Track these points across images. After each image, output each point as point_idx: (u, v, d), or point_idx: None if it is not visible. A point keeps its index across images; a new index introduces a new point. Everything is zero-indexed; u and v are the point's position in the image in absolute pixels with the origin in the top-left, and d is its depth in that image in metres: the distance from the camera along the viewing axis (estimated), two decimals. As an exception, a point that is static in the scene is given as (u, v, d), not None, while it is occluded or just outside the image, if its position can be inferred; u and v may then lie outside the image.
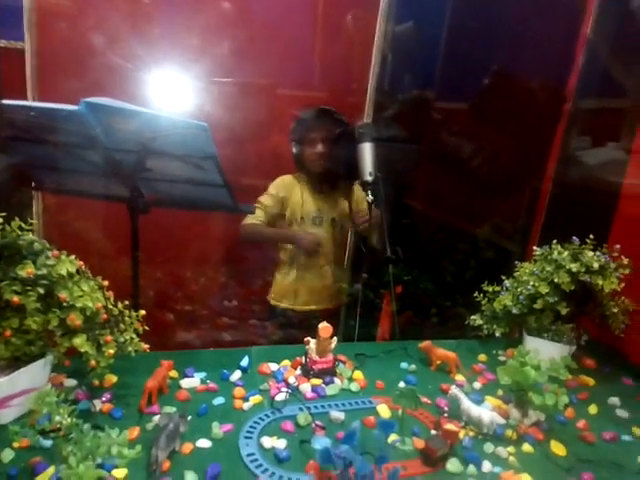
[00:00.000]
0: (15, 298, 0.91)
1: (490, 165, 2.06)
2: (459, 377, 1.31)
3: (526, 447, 1.05)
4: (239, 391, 1.15)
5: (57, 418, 0.83)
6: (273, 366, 1.28)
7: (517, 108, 2.05)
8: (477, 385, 1.29)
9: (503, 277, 1.52)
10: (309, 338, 1.27)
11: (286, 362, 1.30)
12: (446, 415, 1.13)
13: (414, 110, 2.28)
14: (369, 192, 1.67)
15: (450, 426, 1.01)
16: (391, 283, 1.61)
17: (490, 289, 1.51)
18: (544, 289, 1.38)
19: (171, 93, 1.80)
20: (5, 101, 1.36)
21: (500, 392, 1.25)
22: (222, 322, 2.16)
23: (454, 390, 1.14)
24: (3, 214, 0.98)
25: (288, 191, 1.89)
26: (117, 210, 1.47)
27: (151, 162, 1.48)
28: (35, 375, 0.99)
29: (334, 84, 2.25)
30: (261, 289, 2.05)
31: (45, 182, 1.71)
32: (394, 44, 2.28)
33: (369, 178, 1.66)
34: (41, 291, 0.94)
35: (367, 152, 1.68)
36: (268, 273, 1.98)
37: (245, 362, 1.26)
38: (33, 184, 1.70)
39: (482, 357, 1.45)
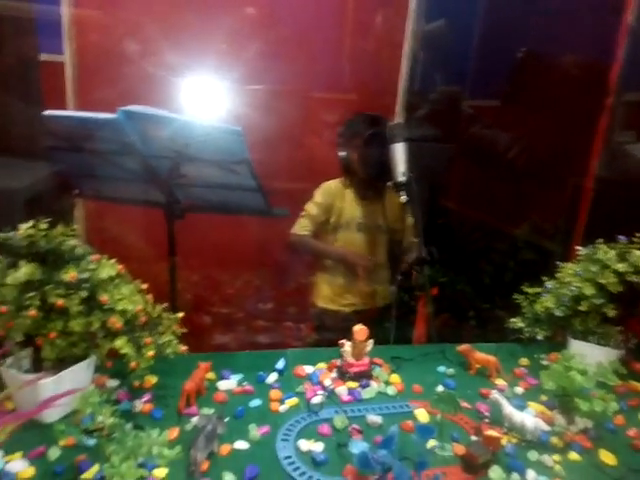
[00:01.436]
0: (59, 301, 0.93)
1: (528, 162, 2.00)
2: (500, 381, 1.28)
3: (573, 455, 1.01)
4: (275, 393, 1.15)
5: (100, 418, 0.86)
6: (309, 369, 1.27)
7: (556, 102, 1.98)
8: (519, 390, 1.25)
9: (544, 278, 1.47)
10: (344, 341, 1.26)
11: (322, 365, 1.29)
12: (487, 421, 1.10)
13: (447, 108, 2.25)
14: (403, 193, 1.65)
15: (492, 432, 0.98)
16: (426, 285, 1.58)
17: (531, 290, 1.47)
18: (589, 290, 1.32)
19: (205, 99, 1.83)
20: (47, 112, 1.41)
21: (543, 397, 1.20)
22: (258, 324, 2.17)
23: (495, 395, 1.11)
24: (48, 220, 1.01)
25: (334, 197, 1.87)
26: (154, 215, 1.50)
27: (186, 168, 1.51)
28: (79, 376, 1.02)
29: (364, 85, 2.24)
30: (296, 292, 2.05)
31: (85, 189, 1.77)
32: (425, 43, 2.25)
33: (402, 178, 1.64)
34: (83, 294, 0.96)
35: (400, 152, 1.66)
36: (302, 276, 1.99)
37: (281, 364, 1.26)
38: (75, 191, 1.76)
39: (523, 361, 1.40)
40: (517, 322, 1.47)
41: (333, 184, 1.90)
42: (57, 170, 1.50)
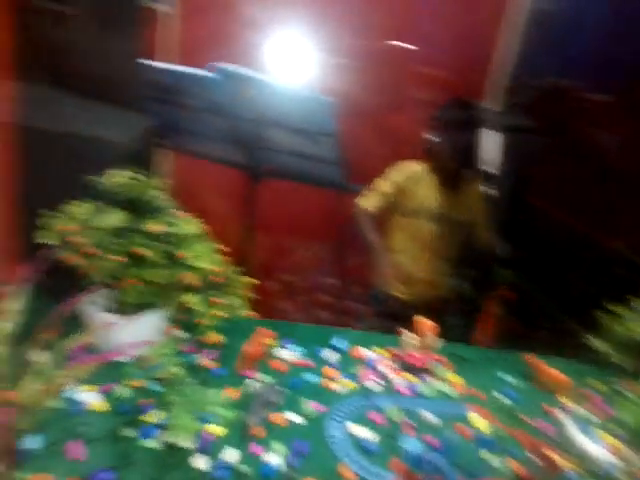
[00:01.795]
0: (146, 251, 0.97)
1: (636, 168, 1.81)
2: (567, 401, 1.20)
3: (640, 496, 0.94)
4: (332, 372, 1.15)
5: (168, 367, 0.89)
6: (367, 352, 1.26)
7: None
8: (587, 414, 1.17)
9: (632, 298, 1.35)
10: (405, 330, 1.23)
11: (381, 351, 1.28)
12: (548, 440, 1.04)
13: (554, 100, 2.07)
14: (491, 185, 1.56)
15: (552, 454, 0.93)
16: (498, 284, 1.51)
17: (615, 309, 1.35)
18: (686, 322, 1.20)
19: (301, 67, 1.80)
20: (146, 62, 1.44)
21: (615, 427, 1.12)
22: (320, 298, 2.18)
23: (560, 415, 1.04)
24: (139, 170, 1.05)
25: (413, 181, 1.74)
26: (237, 176, 1.52)
27: (273, 133, 1.51)
28: (154, 323, 1.07)
29: (461, 63, 2.10)
30: (361, 270, 2.02)
31: (173, 142, 1.83)
32: (534, 23, 2.06)
33: (493, 171, 1.55)
34: (167, 247, 1.00)
35: (493, 142, 1.57)
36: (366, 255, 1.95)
37: (341, 344, 1.25)
38: (164, 142, 1.82)
39: (596, 384, 1.31)
40: (595, 341, 1.36)
41: (413, 166, 1.76)
42: (151, 123, 1.54)
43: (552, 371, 1.23)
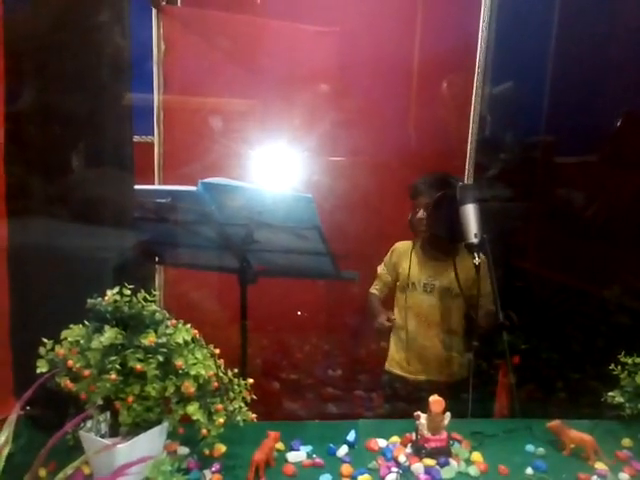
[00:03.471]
0: (138, 365, 0.97)
1: (613, 217, 1.87)
2: (599, 465, 1.12)
3: None
4: (347, 468, 1.09)
5: (170, 487, 0.85)
6: (382, 442, 1.20)
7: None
8: (624, 477, 1.09)
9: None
10: (419, 413, 1.18)
11: (395, 438, 1.22)
12: (589, 512, 0.96)
13: (519, 167, 2.19)
14: (475, 254, 1.59)
15: (595, 526, 0.85)
16: (506, 352, 1.47)
17: (630, 360, 1.31)
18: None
19: (278, 169, 1.93)
20: (137, 186, 1.54)
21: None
22: (327, 392, 2.11)
23: (596, 481, 0.97)
24: (131, 287, 1.07)
25: (400, 257, 1.88)
26: (228, 281, 1.55)
27: (259, 234, 1.56)
28: (153, 441, 1.02)
29: (434, 150, 2.25)
30: (367, 358, 1.99)
31: (166, 257, 1.88)
32: (493, 105, 2.26)
33: (474, 240, 1.59)
34: (160, 359, 0.99)
35: (471, 213, 1.63)
36: (373, 341, 1.94)
37: (352, 437, 1.20)
38: (156, 259, 1.87)
39: (626, 442, 1.23)
40: (615, 396, 1.31)
41: (401, 244, 1.91)
42: (141, 240, 1.61)
43: (575, 433, 1.17)
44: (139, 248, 1.71)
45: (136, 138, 2.10)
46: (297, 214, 1.48)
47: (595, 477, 0.99)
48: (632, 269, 1.77)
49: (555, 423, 1.20)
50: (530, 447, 1.20)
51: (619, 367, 1.32)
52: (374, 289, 1.93)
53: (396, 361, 1.86)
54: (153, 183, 2.10)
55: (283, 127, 2.08)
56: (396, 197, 2.03)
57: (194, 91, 2.16)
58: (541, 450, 1.18)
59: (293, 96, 2.14)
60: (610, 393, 1.32)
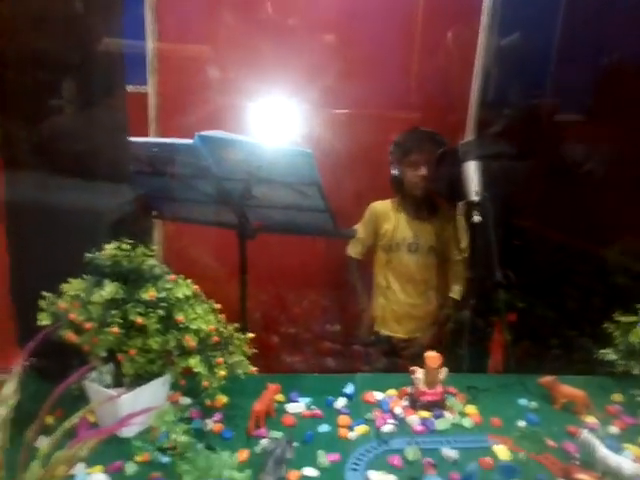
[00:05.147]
0: (139, 319, 0.97)
1: (615, 178, 1.85)
2: (590, 419, 1.16)
3: (680, 508, 0.89)
4: (344, 419, 1.12)
5: (174, 436, 0.87)
6: (378, 395, 1.23)
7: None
8: (613, 429, 1.13)
9: (637, 304, 1.34)
10: (416, 367, 1.21)
11: (392, 391, 1.25)
12: (577, 462, 1.00)
13: (524, 124, 2.14)
14: (476, 213, 1.59)
15: (584, 476, 0.89)
16: (502, 310, 1.49)
17: (624, 319, 1.33)
18: (695, 321, 1.18)
19: (278, 122, 1.88)
20: (131, 138, 1.50)
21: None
22: (325, 346, 2.15)
23: (586, 434, 1.01)
24: (129, 241, 1.07)
25: (381, 218, 1.84)
26: (227, 236, 1.54)
27: (257, 190, 1.54)
28: (156, 392, 1.05)
29: (435, 103, 2.20)
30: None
31: (164, 211, 1.86)
32: (499, 58, 2.18)
33: (476, 198, 1.58)
34: (161, 313, 1.00)
35: (472, 171, 1.60)
36: (370, 297, 1.95)
37: (350, 389, 1.23)
38: (154, 213, 1.85)
39: (617, 397, 1.27)
40: (608, 354, 1.34)
41: (379, 205, 1.86)
42: (138, 193, 1.58)
43: (567, 389, 1.20)
44: (136, 202, 1.69)
45: (130, 88, 2.04)
46: (296, 169, 1.45)
47: (585, 430, 1.02)
48: (633, 230, 1.77)
49: (548, 379, 1.23)
50: (523, 401, 1.23)
51: (614, 325, 1.35)
52: (353, 252, 1.89)
53: (385, 322, 1.88)
54: (148, 136, 2.05)
55: (283, 78, 2.01)
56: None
57: (190, 39, 2.07)
58: (534, 404, 1.22)
59: (294, 45, 2.06)
60: (603, 350, 1.35)
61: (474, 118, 2.26)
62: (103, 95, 1.41)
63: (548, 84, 2.20)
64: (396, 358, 1.86)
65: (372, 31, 2.12)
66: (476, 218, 1.56)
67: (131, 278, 1.04)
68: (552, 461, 1.01)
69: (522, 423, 1.13)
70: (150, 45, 2.01)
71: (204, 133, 1.43)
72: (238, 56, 2.06)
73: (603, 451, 0.97)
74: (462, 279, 1.86)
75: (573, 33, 2.13)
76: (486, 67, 2.19)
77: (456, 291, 1.86)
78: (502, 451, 1.02)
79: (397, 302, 1.84)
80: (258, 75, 2.02)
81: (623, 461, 0.94)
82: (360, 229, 1.86)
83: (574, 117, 2.15)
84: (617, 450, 1.02)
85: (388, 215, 1.83)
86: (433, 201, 1.83)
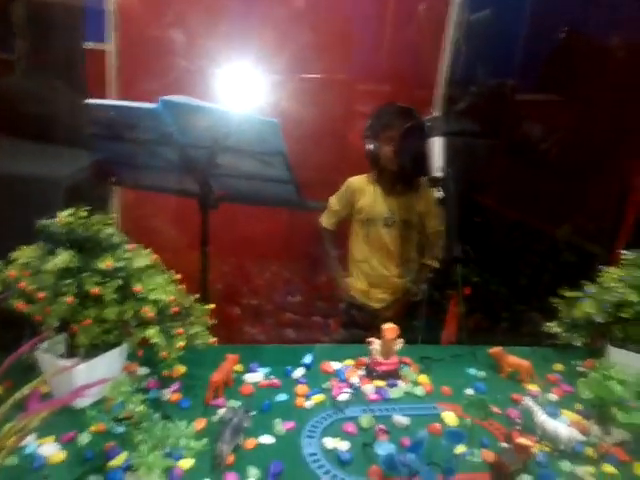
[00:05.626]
0: (95, 289, 0.96)
1: (573, 160, 1.91)
2: (532, 387, 1.24)
3: (608, 468, 0.97)
4: (302, 388, 1.15)
5: (130, 406, 0.87)
6: (336, 365, 1.26)
7: (608, 95, 1.87)
8: (552, 397, 1.21)
9: (584, 282, 1.41)
10: (373, 339, 1.24)
11: (349, 362, 1.29)
12: (518, 427, 1.07)
13: (490, 102, 2.17)
14: (439, 188, 1.61)
15: (523, 440, 0.95)
16: (459, 284, 1.54)
17: (569, 294, 1.41)
18: (634, 297, 1.26)
19: (244, 90, 1.83)
20: (90, 100, 1.43)
21: (579, 406, 1.16)
22: (286, 318, 2.18)
23: (527, 401, 1.07)
24: (86, 208, 1.03)
25: (358, 193, 1.84)
26: (189, 205, 1.51)
27: (222, 158, 1.51)
28: (111, 363, 1.04)
29: (403, 77, 2.19)
30: (326, 285, 2.04)
31: (124, 177, 1.80)
32: (469, 34, 2.18)
33: (439, 174, 1.60)
34: (119, 283, 0.98)
35: (437, 147, 1.62)
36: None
37: (308, 359, 1.25)
38: (113, 179, 1.79)
39: (558, 367, 1.35)
40: (553, 326, 1.41)
41: (356, 180, 1.86)
42: (97, 159, 1.53)
43: (513, 359, 1.27)
44: (93, 167, 1.63)
45: (88, 45, 1.94)
46: (262, 138, 1.43)
47: (527, 397, 1.09)
48: (584, 211, 1.85)
49: (496, 349, 1.30)
50: (472, 371, 1.29)
51: (560, 300, 1.42)
52: (328, 224, 1.89)
53: (358, 289, 1.91)
54: (106, 97, 1.96)
55: (252, 45, 1.95)
56: (363, 124, 1.99)
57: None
58: (482, 373, 1.28)
59: (264, 12, 2.00)
60: (548, 323, 1.43)
61: (442, 94, 2.27)
62: (60, 52, 1.33)
63: (515, 63, 2.22)
64: (362, 329, 1.89)
65: (343, 1, 2.07)
66: (438, 193, 1.60)
67: (87, 247, 1.02)
68: (496, 426, 1.07)
69: (470, 391, 1.20)
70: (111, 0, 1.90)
71: (168, 98, 1.38)
72: (205, 20, 1.98)
73: (542, 417, 1.04)
74: (438, 250, 1.86)
75: (546, 9, 2.14)
76: (456, 43, 2.19)
77: (434, 262, 1.87)
78: (450, 417, 1.08)
79: (373, 275, 1.86)
80: (226, 41, 1.96)
81: (559, 426, 1.01)
82: (335, 201, 1.87)
83: (538, 97, 2.18)
84: (555, 416, 1.09)
85: (364, 190, 1.83)
86: (408, 175, 1.82)
